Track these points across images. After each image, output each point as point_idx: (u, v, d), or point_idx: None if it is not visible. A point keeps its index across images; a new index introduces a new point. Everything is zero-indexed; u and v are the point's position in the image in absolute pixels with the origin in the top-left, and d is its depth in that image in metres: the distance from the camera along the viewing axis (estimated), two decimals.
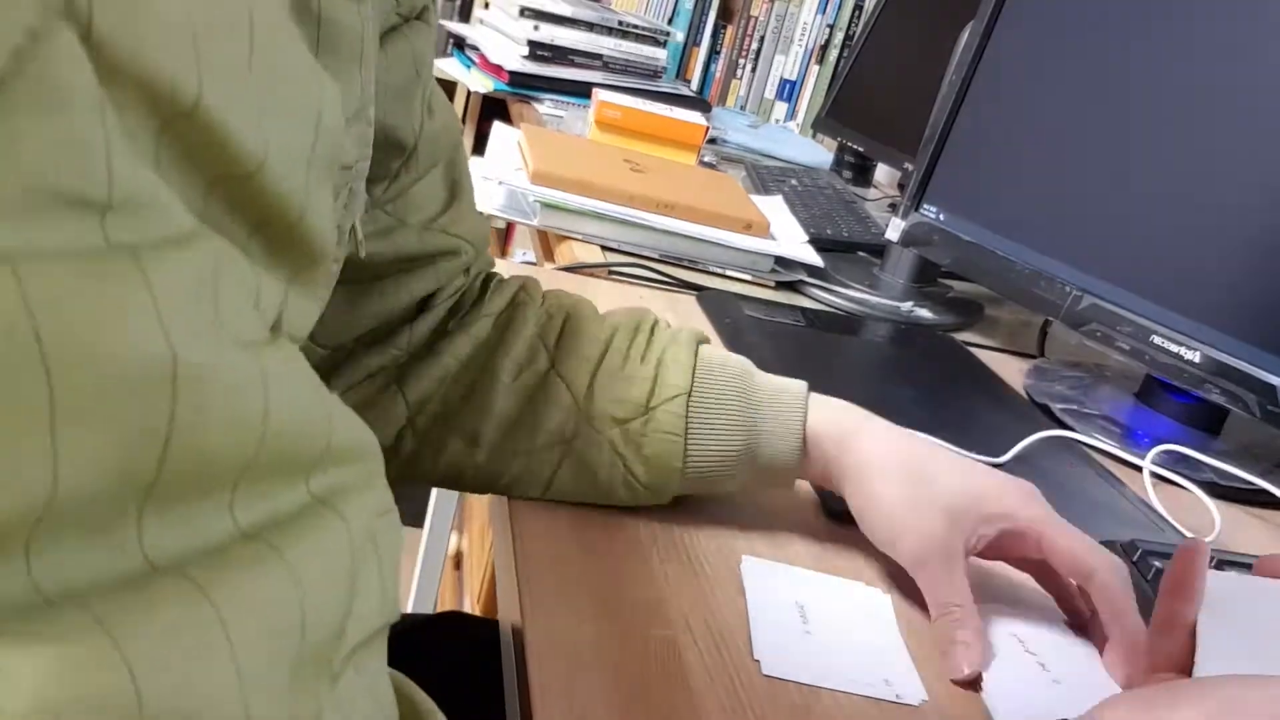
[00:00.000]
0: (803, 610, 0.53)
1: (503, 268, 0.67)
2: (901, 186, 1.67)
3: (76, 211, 0.19)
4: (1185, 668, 0.44)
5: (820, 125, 1.79)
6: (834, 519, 0.62)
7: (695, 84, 2.40)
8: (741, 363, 0.58)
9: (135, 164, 0.20)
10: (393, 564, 0.29)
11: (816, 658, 0.49)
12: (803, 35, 2.38)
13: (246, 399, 0.23)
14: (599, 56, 1.86)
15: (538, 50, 1.79)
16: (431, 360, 0.57)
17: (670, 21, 2.38)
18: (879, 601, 0.55)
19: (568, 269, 0.97)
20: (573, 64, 1.83)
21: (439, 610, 1.63)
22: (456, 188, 0.59)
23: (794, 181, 1.49)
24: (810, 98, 2.40)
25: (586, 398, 0.56)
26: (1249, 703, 0.34)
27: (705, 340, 0.59)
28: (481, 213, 0.64)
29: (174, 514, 0.22)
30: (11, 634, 0.19)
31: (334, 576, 0.26)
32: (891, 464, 0.54)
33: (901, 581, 0.57)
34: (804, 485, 0.65)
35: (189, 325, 0.21)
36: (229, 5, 0.22)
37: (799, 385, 0.58)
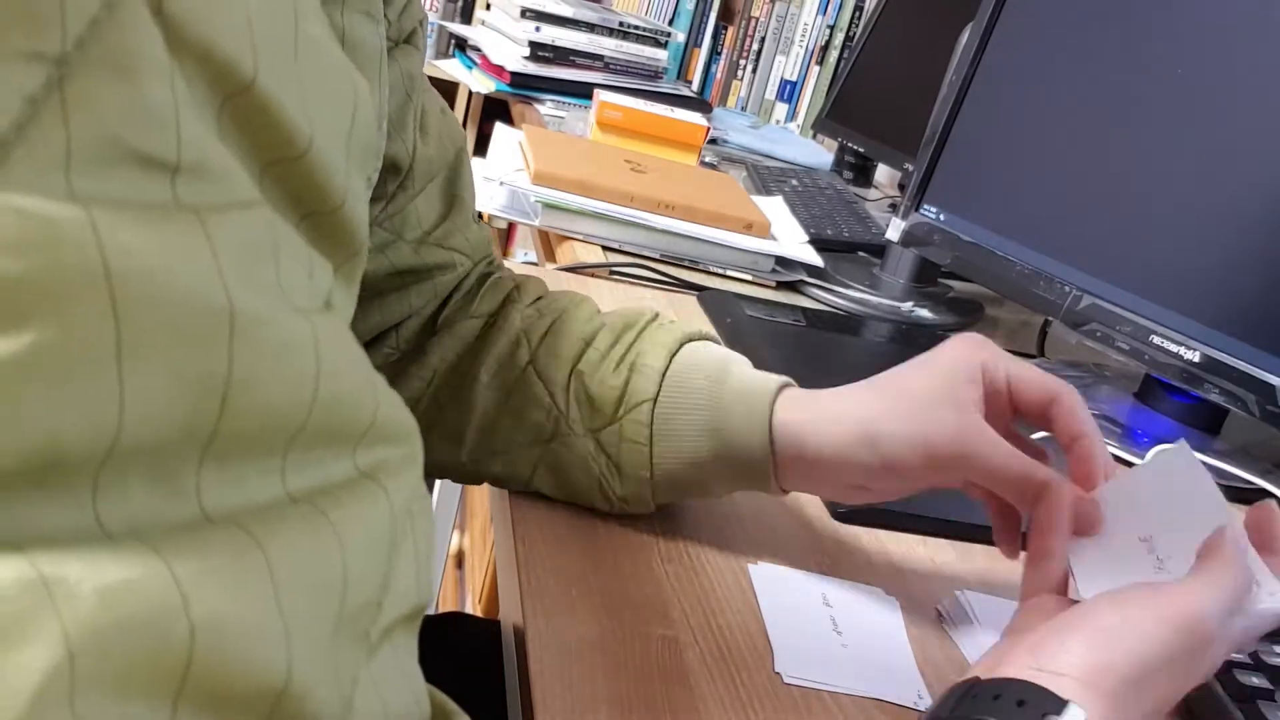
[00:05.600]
0: (818, 616, 0.53)
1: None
2: (902, 187, 1.68)
3: (147, 169, 0.21)
4: (1060, 589, 0.47)
5: (820, 126, 1.79)
6: (836, 519, 0.62)
7: (696, 85, 2.40)
8: (719, 363, 0.55)
9: (202, 132, 0.22)
10: (427, 546, 0.30)
11: (838, 663, 0.49)
12: (803, 36, 2.39)
13: (300, 359, 0.24)
14: (600, 57, 1.86)
15: (539, 51, 1.80)
16: (420, 362, 0.57)
17: (671, 22, 2.38)
18: (888, 604, 0.55)
19: (569, 269, 0.98)
20: (574, 65, 1.84)
21: (441, 610, 1.63)
22: (455, 200, 0.59)
23: (794, 182, 1.49)
24: (810, 98, 2.40)
25: (564, 399, 0.55)
26: (1116, 629, 0.39)
27: (698, 338, 0.57)
28: (481, 219, 0.64)
29: (231, 470, 0.23)
30: (75, 552, 0.20)
31: (375, 546, 0.27)
32: (863, 394, 0.52)
33: (905, 583, 0.58)
34: None
35: (248, 280, 0.22)
36: None
37: (771, 383, 0.54)
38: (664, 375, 0.54)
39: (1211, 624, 0.40)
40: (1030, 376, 0.52)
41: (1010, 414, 0.53)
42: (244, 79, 0.23)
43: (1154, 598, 0.41)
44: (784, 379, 0.55)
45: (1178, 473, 0.47)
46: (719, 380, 0.54)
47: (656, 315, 0.59)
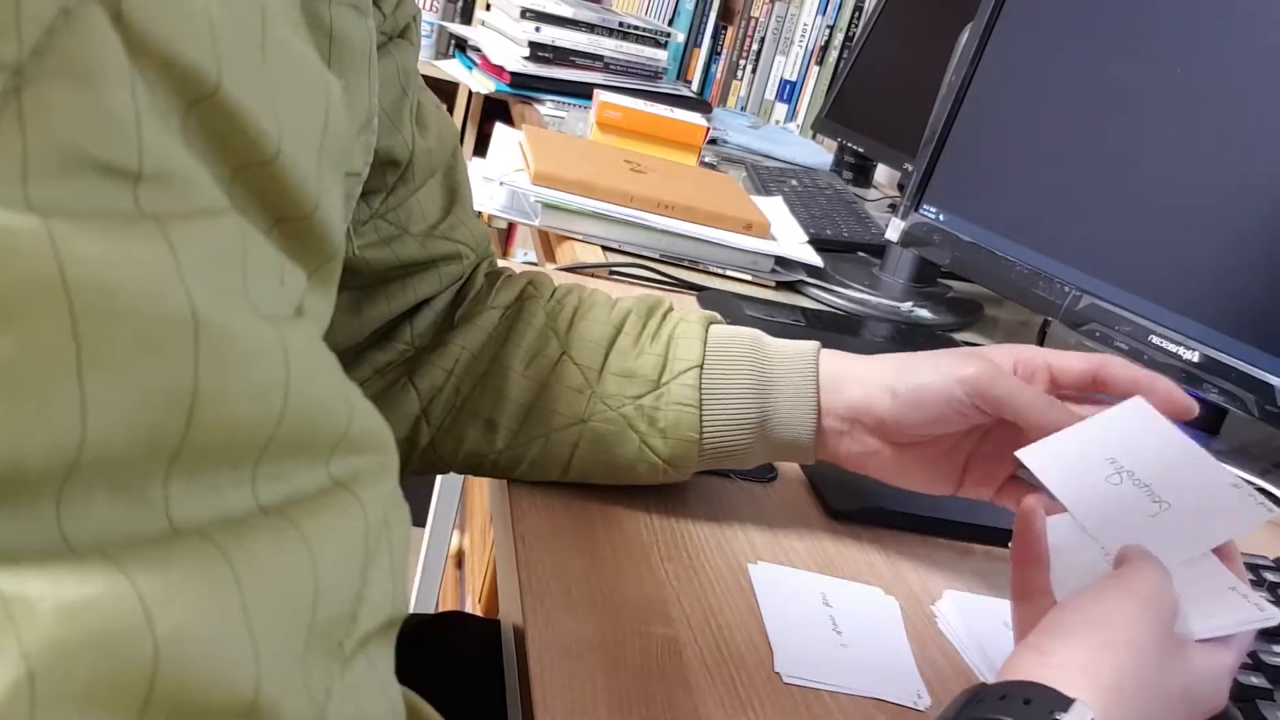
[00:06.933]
0: (818, 616, 0.53)
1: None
2: (901, 187, 1.68)
3: (108, 178, 0.20)
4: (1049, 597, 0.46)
5: (820, 126, 1.79)
6: (835, 519, 0.62)
7: (696, 85, 2.40)
8: (751, 333, 0.58)
9: (165, 139, 0.22)
10: (403, 556, 0.29)
11: (838, 663, 0.49)
12: (803, 36, 2.39)
13: (269, 369, 0.23)
14: (600, 58, 1.86)
15: (539, 51, 1.80)
16: (440, 351, 0.58)
17: (671, 23, 2.38)
18: (887, 604, 0.55)
19: (568, 269, 0.98)
20: (574, 65, 1.84)
21: (440, 610, 1.63)
22: (455, 194, 0.60)
23: (794, 182, 1.49)
24: (810, 98, 2.40)
25: (600, 379, 0.56)
26: (1103, 616, 0.41)
27: (717, 320, 0.60)
28: (479, 213, 0.65)
29: (199, 482, 0.23)
30: (36, 569, 0.20)
31: (348, 556, 0.26)
32: (897, 355, 0.56)
33: (905, 583, 0.58)
34: (804, 484, 0.65)
35: (212, 289, 0.22)
36: None
37: (810, 347, 0.57)
38: (705, 342, 0.57)
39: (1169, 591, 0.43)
40: (1069, 354, 0.55)
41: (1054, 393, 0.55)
42: (208, 85, 0.22)
43: (1119, 581, 0.43)
44: (815, 344, 0.58)
45: (1140, 424, 0.49)
46: (758, 345, 0.57)
47: (670, 303, 0.61)
